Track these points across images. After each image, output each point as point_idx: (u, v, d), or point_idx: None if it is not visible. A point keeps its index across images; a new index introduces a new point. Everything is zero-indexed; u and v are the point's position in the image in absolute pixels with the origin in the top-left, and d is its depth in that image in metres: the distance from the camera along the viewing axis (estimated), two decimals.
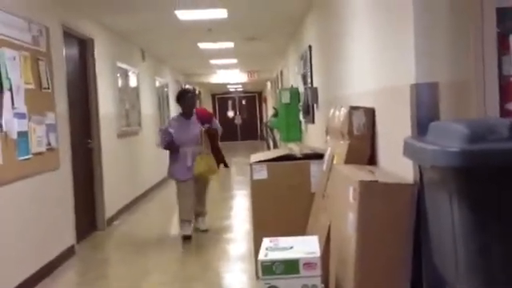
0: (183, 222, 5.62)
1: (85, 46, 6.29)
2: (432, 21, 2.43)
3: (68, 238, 5.18)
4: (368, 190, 2.35)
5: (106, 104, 6.74)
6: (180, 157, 5.58)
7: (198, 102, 6.03)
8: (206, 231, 5.84)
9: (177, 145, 5.57)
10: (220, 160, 5.84)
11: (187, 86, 6.24)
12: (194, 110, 5.83)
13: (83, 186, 5.94)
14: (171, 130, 5.64)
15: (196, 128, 5.67)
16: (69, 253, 5.10)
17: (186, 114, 5.74)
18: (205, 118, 5.84)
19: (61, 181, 5.05)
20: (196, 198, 5.75)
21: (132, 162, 8.10)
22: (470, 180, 1.49)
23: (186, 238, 5.55)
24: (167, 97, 11.84)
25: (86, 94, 6.27)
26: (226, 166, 5.98)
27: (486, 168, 1.46)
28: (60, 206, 5.03)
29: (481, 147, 1.46)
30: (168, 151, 5.77)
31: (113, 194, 6.74)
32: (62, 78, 5.23)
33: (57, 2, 5.19)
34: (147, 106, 9.41)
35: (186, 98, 5.80)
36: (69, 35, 5.66)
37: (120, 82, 7.51)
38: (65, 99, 5.26)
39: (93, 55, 6.37)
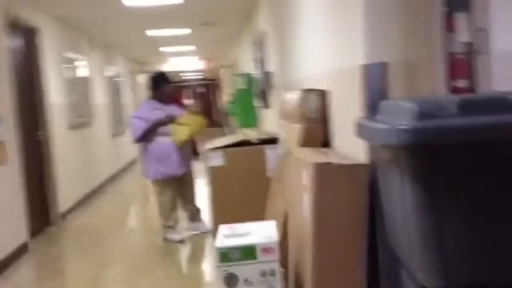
0: (171, 227, 4.95)
1: (30, 36, 6.05)
2: (380, 1, 2.43)
3: (20, 234, 5.00)
4: (322, 172, 2.34)
5: (54, 95, 6.52)
6: (165, 148, 4.77)
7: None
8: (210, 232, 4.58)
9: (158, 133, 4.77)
10: (193, 150, 5.22)
11: (160, 70, 5.14)
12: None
13: (34, 180, 5.74)
14: (146, 117, 4.78)
15: (178, 113, 4.91)
16: (22, 250, 4.93)
17: (164, 101, 4.96)
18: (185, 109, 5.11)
19: (9, 176, 4.87)
20: (184, 196, 5.08)
21: (85, 154, 7.90)
22: (420, 157, 1.49)
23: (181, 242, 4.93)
24: (120, 86, 11.60)
25: (33, 84, 6.04)
26: (197, 156, 5.30)
27: (436, 145, 1.46)
28: (9, 201, 4.85)
29: (430, 124, 1.45)
30: (143, 148, 4.91)
31: (66, 188, 6.56)
32: (6, 68, 5.02)
33: None
34: (98, 97, 9.17)
35: (167, 83, 5.00)
36: (12, 24, 5.42)
37: (68, 72, 7.28)
38: (10, 91, 5.05)
39: (38, 45, 6.14)
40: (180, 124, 4.76)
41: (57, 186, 6.26)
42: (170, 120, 4.80)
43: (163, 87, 4.97)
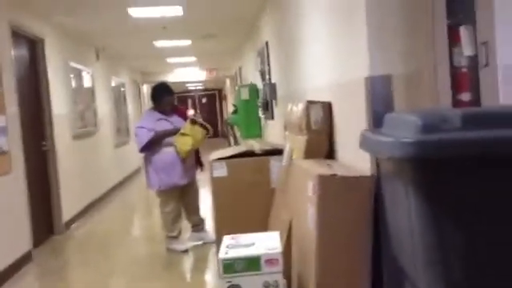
0: (175, 238, 4.96)
1: (35, 46, 6.10)
2: (384, 14, 2.45)
3: (23, 243, 5.01)
4: (327, 184, 2.35)
5: (60, 105, 6.55)
6: (169, 158, 4.79)
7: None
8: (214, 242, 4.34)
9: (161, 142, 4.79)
10: (197, 160, 5.22)
11: (162, 81, 5.16)
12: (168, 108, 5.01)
13: (38, 190, 5.76)
14: (151, 127, 4.80)
15: (182, 124, 4.87)
16: (25, 259, 4.94)
17: (165, 111, 4.98)
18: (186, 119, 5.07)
19: (13, 185, 4.88)
20: (187, 206, 5.10)
21: (89, 163, 7.92)
22: (425, 170, 1.50)
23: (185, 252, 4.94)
24: (124, 97, 11.64)
25: (38, 95, 6.08)
26: (201, 167, 5.28)
27: (440, 158, 1.47)
28: (13, 211, 4.86)
29: (434, 137, 1.46)
30: (145, 159, 4.93)
31: (70, 197, 6.57)
32: (12, 79, 5.05)
33: (4, 1, 5.01)
34: (103, 107, 9.21)
35: (169, 94, 5.01)
36: (18, 35, 5.47)
37: (73, 83, 7.32)
38: (15, 101, 5.08)
39: (43, 55, 6.18)
40: (183, 135, 4.79)
41: (61, 195, 6.27)
42: (176, 131, 4.83)
43: (165, 98, 4.99)
